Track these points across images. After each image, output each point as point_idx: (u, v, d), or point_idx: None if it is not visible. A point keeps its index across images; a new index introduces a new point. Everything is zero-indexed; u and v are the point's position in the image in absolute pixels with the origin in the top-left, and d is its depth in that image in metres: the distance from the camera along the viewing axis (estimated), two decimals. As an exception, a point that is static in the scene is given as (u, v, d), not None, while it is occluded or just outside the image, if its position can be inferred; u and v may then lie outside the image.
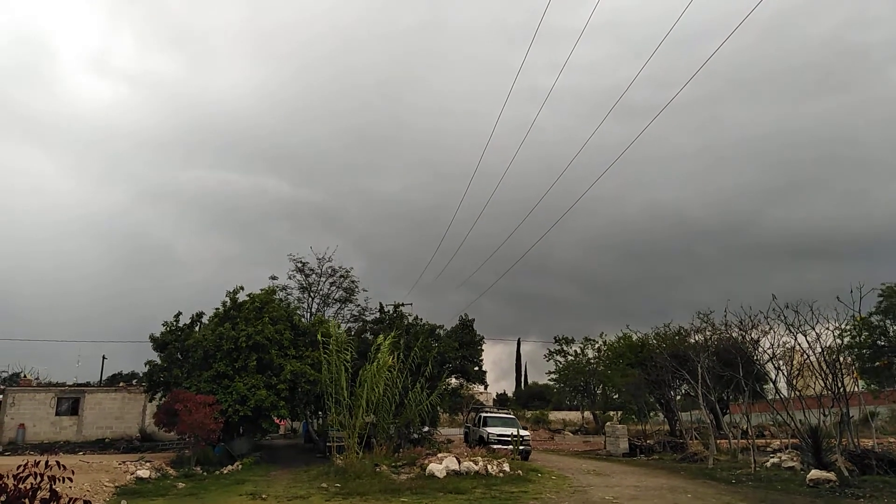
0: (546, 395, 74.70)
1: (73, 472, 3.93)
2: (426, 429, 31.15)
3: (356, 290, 39.89)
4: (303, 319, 33.97)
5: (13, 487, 3.35)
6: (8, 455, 30.61)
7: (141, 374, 43.85)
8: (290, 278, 38.46)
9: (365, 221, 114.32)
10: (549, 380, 60.92)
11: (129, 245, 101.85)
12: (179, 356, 27.70)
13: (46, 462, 3.76)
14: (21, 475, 3.48)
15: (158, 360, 27.68)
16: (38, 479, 3.62)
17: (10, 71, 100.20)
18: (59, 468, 3.85)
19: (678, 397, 36.37)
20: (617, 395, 49.09)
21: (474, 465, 20.71)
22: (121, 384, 44.38)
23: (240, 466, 24.27)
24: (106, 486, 18.32)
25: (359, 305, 39.85)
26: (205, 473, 22.64)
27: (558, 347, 55.17)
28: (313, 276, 39.38)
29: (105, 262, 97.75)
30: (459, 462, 20.83)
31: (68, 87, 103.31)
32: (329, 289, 40.05)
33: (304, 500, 16.51)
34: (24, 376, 45.74)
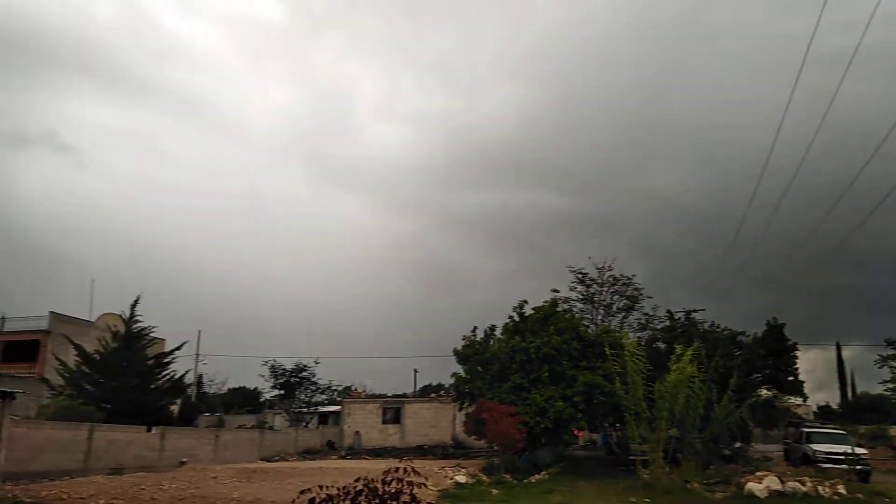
0: (883, 406, 63.54)
1: (426, 479, 4.40)
2: (738, 445, 28.70)
3: (640, 297, 38.55)
4: (588, 331, 33.86)
5: (383, 490, 3.84)
6: (349, 458, 35.62)
7: (447, 386, 47.88)
8: (571, 290, 38.63)
9: (643, 225, 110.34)
10: (885, 389, 51.85)
11: (427, 268, 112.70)
12: (479, 368, 29.56)
13: (405, 469, 4.24)
14: (386, 479, 3.97)
15: (462, 373, 29.92)
16: (399, 483, 4.09)
17: (321, 129, 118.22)
18: (414, 474, 4.33)
19: None
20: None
21: (801, 486, 18.47)
22: (432, 395, 48.90)
23: (546, 476, 24.79)
24: (430, 490, 20.26)
25: (645, 313, 38.44)
26: (514, 481, 23.55)
27: (893, 352, 46.76)
28: (594, 286, 39.02)
29: (408, 285, 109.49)
30: (782, 482, 18.75)
31: (364, 134, 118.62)
32: (612, 298, 39.32)
33: (615, 513, 16.40)
34: (355, 389, 52.96)
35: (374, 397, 48.54)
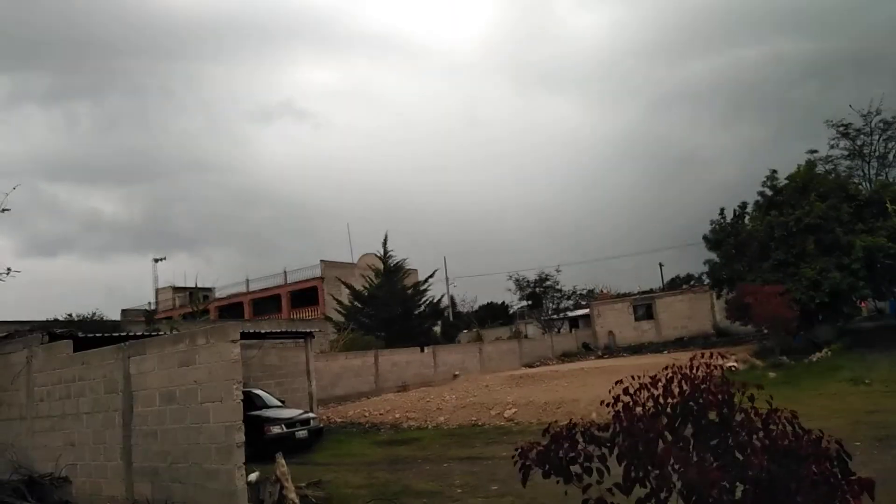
0: None
1: (726, 360, 4.30)
2: None
3: (923, 138, 32.57)
4: (860, 188, 29.79)
5: (693, 376, 4.03)
6: (607, 357, 36.07)
7: (698, 275, 45.69)
8: (832, 147, 33.91)
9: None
10: None
11: (658, 155, 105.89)
12: (734, 251, 27.77)
13: (701, 355, 4.28)
14: (693, 364, 4.15)
15: (716, 258, 28.37)
16: (707, 367, 4.17)
17: (525, 35, 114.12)
18: (720, 357, 4.31)
19: None
20: None
21: None
22: (683, 286, 47.14)
23: (828, 353, 23.09)
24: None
25: (932, 156, 32.52)
26: (792, 362, 22.29)
27: None
28: (861, 137, 33.79)
29: (639, 177, 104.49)
30: None
31: (569, 29, 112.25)
32: (886, 146, 33.80)
33: (919, 386, 14.67)
34: (600, 291, 53.02)
35: (621, 296, 48.24)
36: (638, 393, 3.96)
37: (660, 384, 3.89)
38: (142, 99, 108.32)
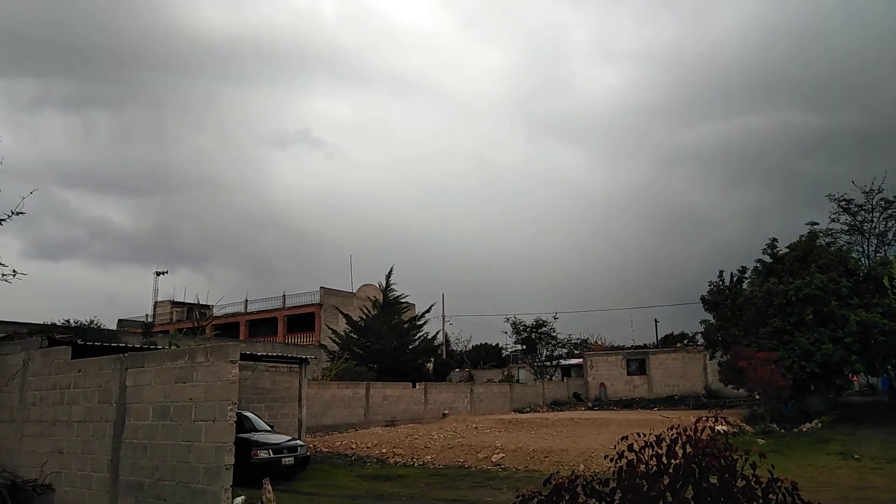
0: None
1: (727, 427, 4.36)
2: None
3: (923, 220, 32.82)
4: (859, 264, 29.97)
5: (696, 438, 4.05)
6: (597, 409, 35.91)
7: (691, 334, 45.76)
8: (832, 221, 34.13)
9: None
10: None
11: (660, 212, 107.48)
12: (730, 314, 27.88)
13: (706, 419, 4.27)
14: (697, 428, 4.07)
15: (712, 320, 28.45)
16: (711, 431, 4.15)
17: (538, 84, 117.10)
18: (724, 422, 4.37)
19: None
20: None
21: None
22: (678, 345, 47.09)
23: (819, 424, 23.03)
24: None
25: (931, 237, 32.68)
26: (782, 431, 22.22)
27: None
28: (861, 213, 34.05)
29: (641, 232, 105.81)
30: None
31: (582, 82, 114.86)
32: (886, 224, 34.04)
33: (912, 465, 14.63)
34: (594, 342, 52.91)
35: (615, 349, 48.16)
36: (643, 451, 4.03)
37: (664, 443, 3.96)
38: (160, 113, 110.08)
